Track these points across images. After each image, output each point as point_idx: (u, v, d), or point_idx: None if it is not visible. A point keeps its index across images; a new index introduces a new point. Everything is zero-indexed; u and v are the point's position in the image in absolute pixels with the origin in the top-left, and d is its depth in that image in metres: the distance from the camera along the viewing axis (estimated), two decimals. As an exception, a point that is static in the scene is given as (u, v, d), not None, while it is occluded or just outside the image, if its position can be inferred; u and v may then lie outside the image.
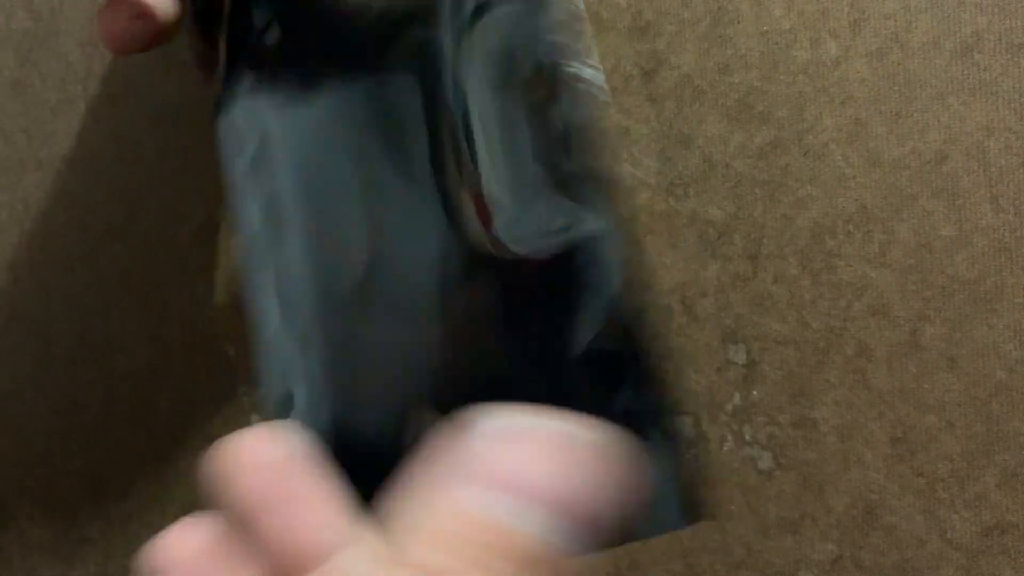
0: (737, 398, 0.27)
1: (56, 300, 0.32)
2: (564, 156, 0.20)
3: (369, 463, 0.18)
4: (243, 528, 0.16)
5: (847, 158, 0.27)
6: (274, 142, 0.21)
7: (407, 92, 0.20)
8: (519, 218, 0.20)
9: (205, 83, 0.25)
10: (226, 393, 0.30)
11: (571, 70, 0.20)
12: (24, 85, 0.32)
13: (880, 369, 0.27)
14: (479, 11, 0.20)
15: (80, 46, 0.31)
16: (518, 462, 0.16)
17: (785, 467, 0.27)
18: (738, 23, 0.27)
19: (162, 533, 0.17)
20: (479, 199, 0.20)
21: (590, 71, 0.20)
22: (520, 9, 0.20)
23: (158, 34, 0.23)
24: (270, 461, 0.17)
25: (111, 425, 0.31)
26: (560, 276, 0.20)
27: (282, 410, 0.20)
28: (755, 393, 0.27)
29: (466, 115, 0.20)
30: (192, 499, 0.30)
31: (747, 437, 0.27)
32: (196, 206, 0.30)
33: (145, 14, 0.23)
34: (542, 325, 0.20)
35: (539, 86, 0.20)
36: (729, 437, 0.27)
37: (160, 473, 0.31)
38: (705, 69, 0.27)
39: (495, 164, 0.20)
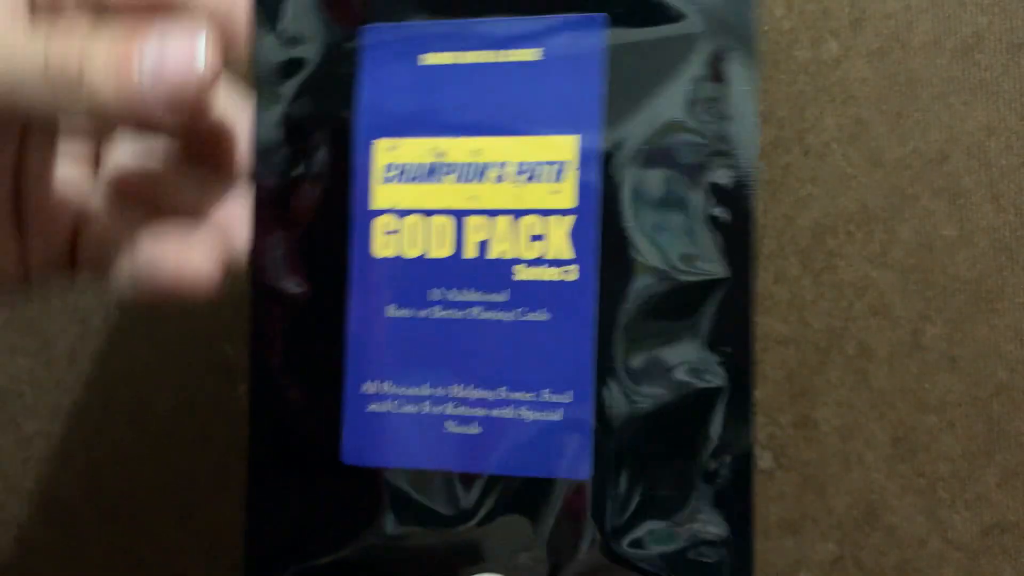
0: (738, 398, 0.27)
1: (55, 300, 0.32)
2: None
3: None
4: None
5: (848, 158, 0.26)
6: None
7: None
8: None
9: None
10: (226, 393, 0.30)
11: None
12: (23, 84, 0.31)
13: (881, 369, 0.26)
14: None
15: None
16: None
17: (786, 467, 0.27)
18: (739, 22, 0.27)
19: None
20: None
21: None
22: None
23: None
24: None
25: (111, 425, 0.31)
26: None
27: None
28: (756, 393, 0.27)
29: None
30: (192, 499, 0.30)
31: (748, 437, 0.27)
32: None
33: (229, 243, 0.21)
34: None
35: None
36: (730, 437, 0.27)
37: (160, 473, 0.31)
38: (706, 69, 0.27)
39: None
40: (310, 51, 0.22)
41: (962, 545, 0.26)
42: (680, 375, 0.20)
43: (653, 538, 0.20)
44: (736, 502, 0.20)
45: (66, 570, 0.32)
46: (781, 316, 0.27)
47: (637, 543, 0.20)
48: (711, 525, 0.20)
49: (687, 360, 0.20)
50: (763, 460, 0.27)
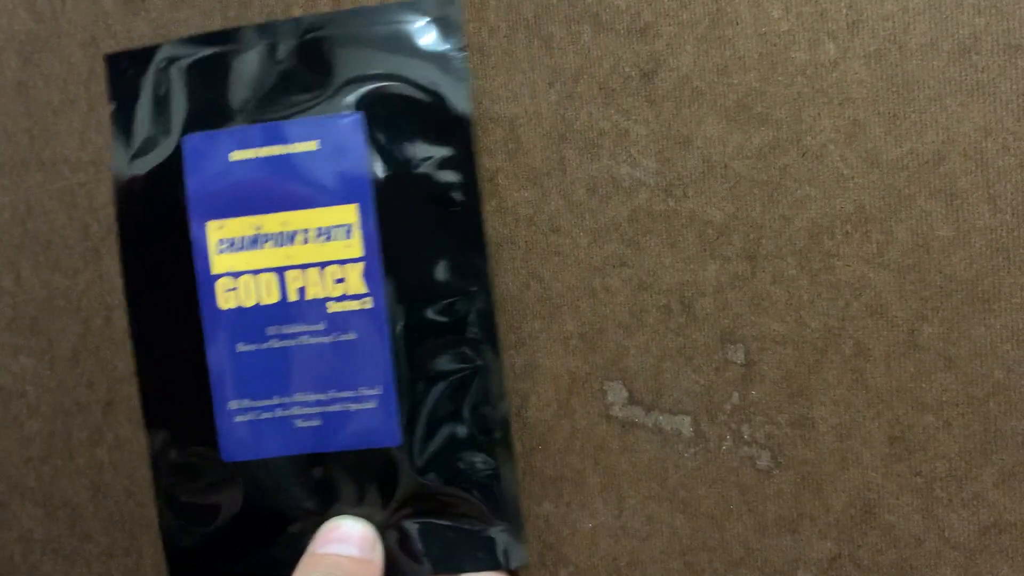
0: (736, 397, 0.27)
1: (58, 300, 0.32)
2: None
3: None
4: None
5: (845, 159, 0.27)
6: None
7: None
8: None
9: None
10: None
11: None
12: (26, 86, 0.32)
13: (878, 369, 0.27)
14: None
15: (82, 47, 0.31)
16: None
17: (783, 466, 0.27)
18: (736, 25, 0.27)
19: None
20: None
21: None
22: None
23: None
24: None
25: (111, 425, 0.31)
26: None
27: None
28: (753, 393, 0.27)
29: None
30: (193, 498, 0.30)
31: (746, 436, 0.27)
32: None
33: None
34: None
35: None
36: (728, 436, 0.28)
37: (161, 472, 0.31)
38: (704, 70, 0.27)
39: None
40: (151, 156, 0.29)
41: (959, 544, 0.26)
42: (451, 364, 0.28)
43: (448, 471, 0.28)
44: (497, 441, 0.29)
45: (67, 570, 0.32)
46: (778, 316, 0.27)
47: (438, 475, 0.28)
48: (480, 458, 0.28)
49: (455, 353, 0.28)
50: (761, 459, 0.27)
